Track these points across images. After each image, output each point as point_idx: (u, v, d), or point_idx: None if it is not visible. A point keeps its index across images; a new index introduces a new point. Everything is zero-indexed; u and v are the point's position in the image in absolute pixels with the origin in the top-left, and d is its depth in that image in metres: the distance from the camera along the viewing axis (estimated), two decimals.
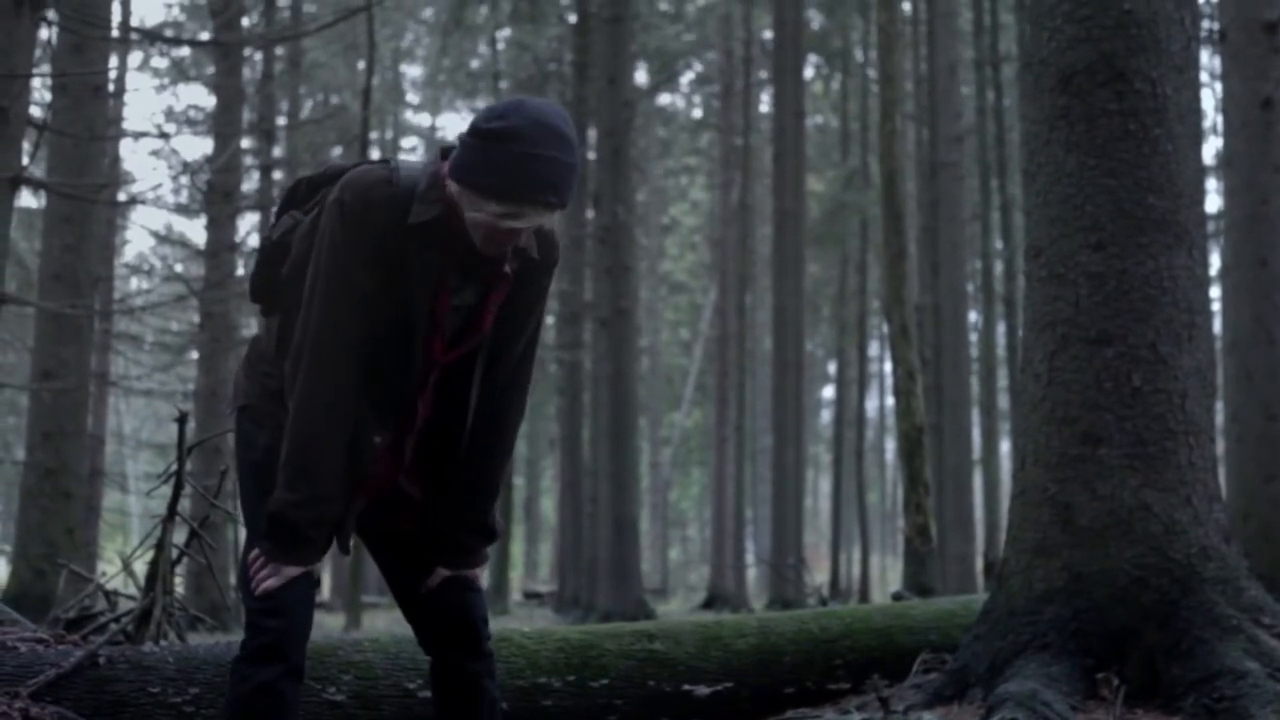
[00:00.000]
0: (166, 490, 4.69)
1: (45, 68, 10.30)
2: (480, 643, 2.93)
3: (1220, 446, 5.81)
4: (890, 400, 32.47)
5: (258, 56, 19.21)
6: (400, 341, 2.74)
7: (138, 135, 19.82)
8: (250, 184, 20.15)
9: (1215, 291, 8.85)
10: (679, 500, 47.84)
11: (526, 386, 2.94)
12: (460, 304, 2.77)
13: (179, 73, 24.54)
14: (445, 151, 2.74)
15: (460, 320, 2.79)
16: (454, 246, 2.69)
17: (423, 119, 36.68)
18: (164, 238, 22.80)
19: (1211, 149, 19.69)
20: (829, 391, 41.62)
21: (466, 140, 2.62)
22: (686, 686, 4.40)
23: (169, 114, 25.92)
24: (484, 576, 3.04)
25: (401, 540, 2.98)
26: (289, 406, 2.71)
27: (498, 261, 2.73)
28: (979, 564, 18.74)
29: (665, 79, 32.58)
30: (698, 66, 33.46)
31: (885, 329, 12.40)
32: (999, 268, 21.75)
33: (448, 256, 2.70)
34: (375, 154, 30.74)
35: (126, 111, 21.97)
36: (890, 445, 41.76)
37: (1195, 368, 4.34)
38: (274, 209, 3.10)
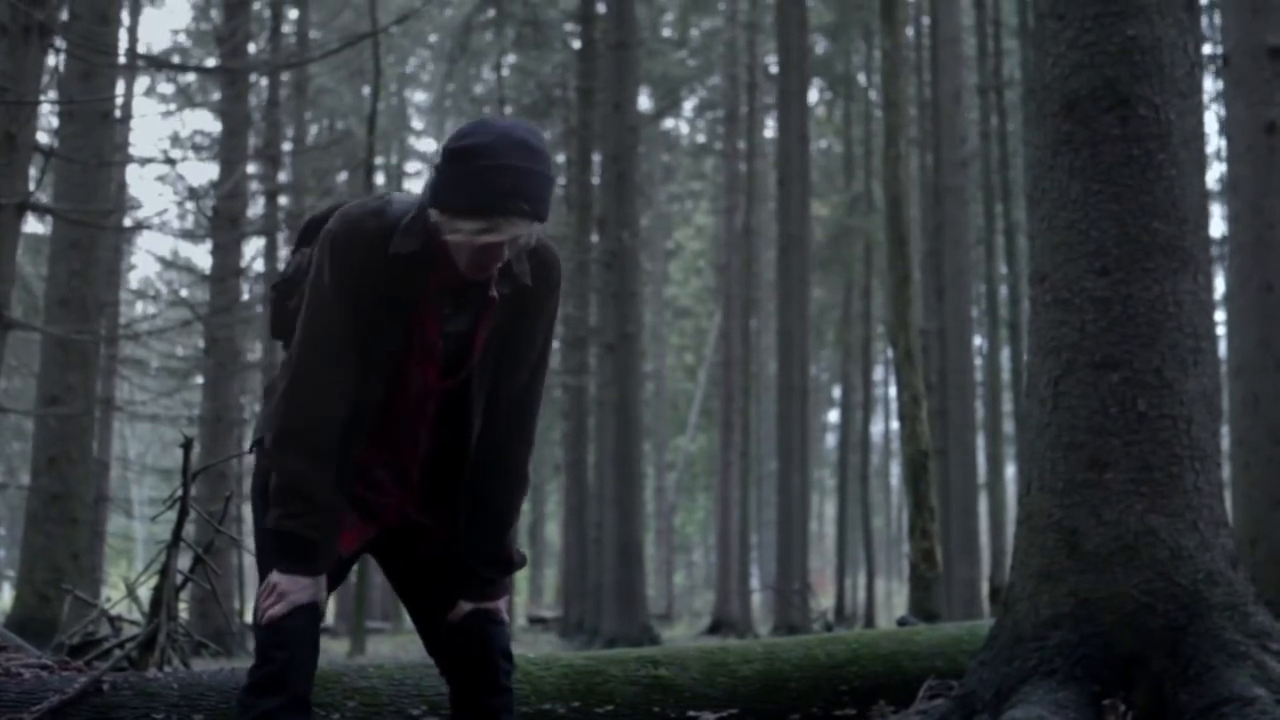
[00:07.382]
0: (171, 515, 4.69)
1: (53, 94, 10.34)
2: (498, 678, 2.91)
3: (1227, 471, 5.80)
4: (895, 425, 32.50)
5: (264, 82, 19.29)
6: (392, 370, 2.76)
7: (144, 161, 19.90)
8: (256, 209, 20.21)
9: (1220, 316, 8.84)
10: (684, 525, 47.75)
11: (534, 415, 2.93)
12: (453, 331, 2.78)
13: (185, 99, 24.67)
14: None
15: (454, 348, 2.80)
16: (440, 276, 2.71)
17: (428, 144, 36.87)
18: (170, 263, 22.92)
19: (1215, 174, 19.76)
20: (834, 416, 41.58)
21: (438, 165, 2.65)
22: (692, 713, 4.38)
23: (175, 140, 26.07)
24: (506, 607, 2.98)
25: (420, 572, 2.97)
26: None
27: (484, 286, 2.74)
28: (985, 589, 18.68)
29: (670, 104, 32.74)
30: (702, 92, 33.62)
31: (890, 353, 12.39)
32: (1004, 292, 21.76)
33: (433, 286, 2.73)
34: (381, 179, 30.85)
35: (133, 137, 22.04)
36: (895, 470, 41.73)
37: (1201, 392, 4.34)
38: (279, 234, 3.15)
